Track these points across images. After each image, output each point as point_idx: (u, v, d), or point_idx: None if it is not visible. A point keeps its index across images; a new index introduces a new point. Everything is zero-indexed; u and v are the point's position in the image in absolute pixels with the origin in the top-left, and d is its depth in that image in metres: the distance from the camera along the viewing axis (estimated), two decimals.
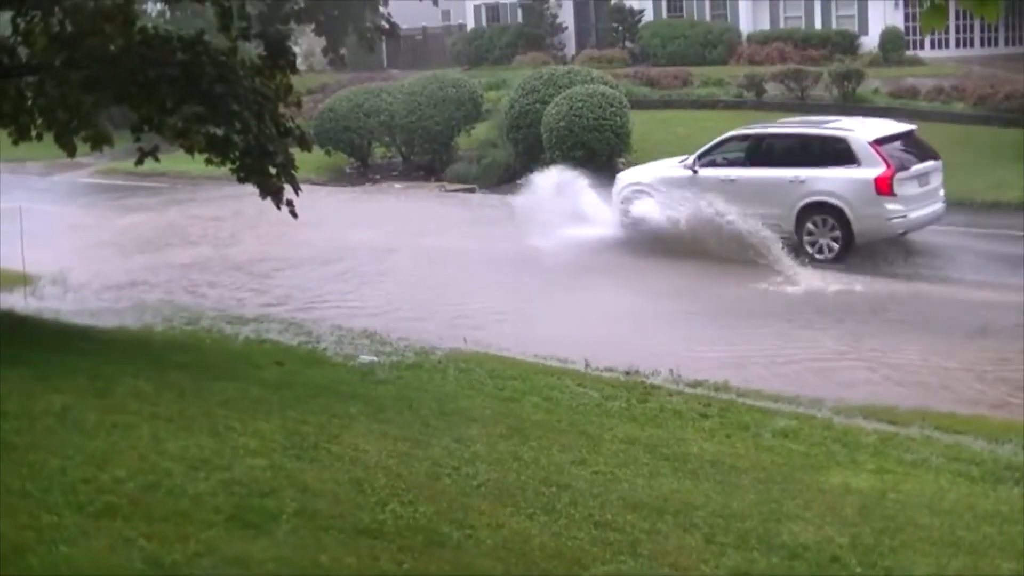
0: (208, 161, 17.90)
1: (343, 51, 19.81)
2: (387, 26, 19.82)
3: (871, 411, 15.76)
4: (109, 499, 8.74)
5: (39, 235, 27.38)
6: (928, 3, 6.00)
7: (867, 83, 42.22)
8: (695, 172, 27.06)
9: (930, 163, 26.18)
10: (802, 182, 25.30)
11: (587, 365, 18.06)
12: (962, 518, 11.09)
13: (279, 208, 17.76)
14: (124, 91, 16.99)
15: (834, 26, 51.38)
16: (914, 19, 47.82)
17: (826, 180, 25.18)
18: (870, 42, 49.32)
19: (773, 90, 43.33)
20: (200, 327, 20.76)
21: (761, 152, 26.92)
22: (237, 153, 17.34)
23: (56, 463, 9.53)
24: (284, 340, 19.71)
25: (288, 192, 17.64)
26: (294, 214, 17.66)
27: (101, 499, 8.72)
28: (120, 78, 16.83)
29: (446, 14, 59.21)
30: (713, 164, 27.19)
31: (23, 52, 17.78)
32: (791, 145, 26.57)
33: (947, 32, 48.55)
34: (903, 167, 25.22)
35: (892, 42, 48.34)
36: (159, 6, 41.52)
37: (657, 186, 27.41)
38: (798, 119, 29.99)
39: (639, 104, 41.07)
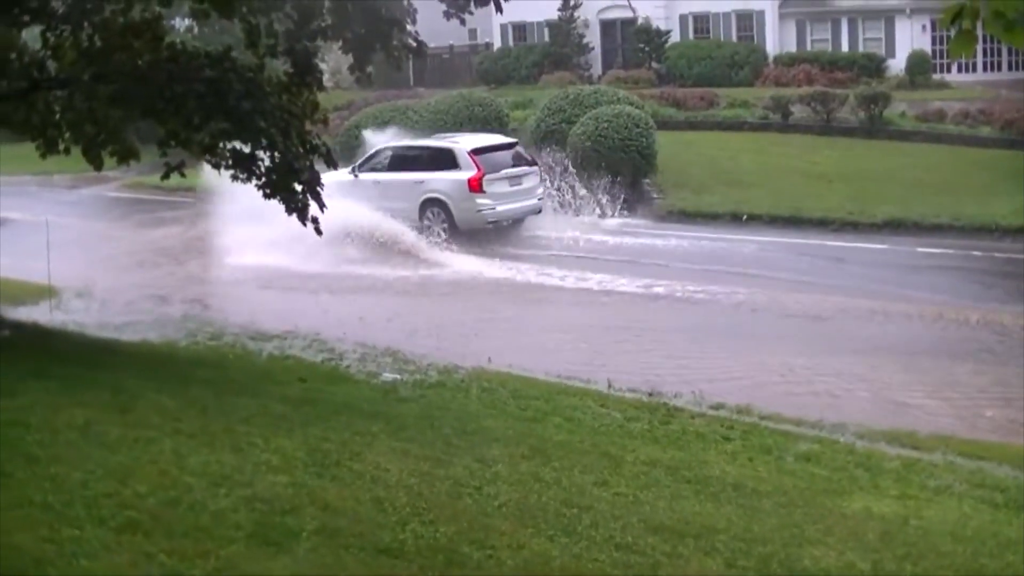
0: (234, 177, 17.95)
1: (370, 69, 19.86)
2: (414, 44, 19.88)
3: (894, 436, 15.70)
4: (131, 514, 8.76)
5: (65, 248, 27.52)
6: (956, 30, 5.99)
7: (894, 106, 42.17)
8: (356, 176, 32.84)
9: (524, 168, 32.97)
10: (422, 183, 31.83)
11: (609, 386, 18.03)
12: (985, 545, 11.03)
13: (304, 225, 17.80)
14: (151, 106, 17.04)
15: (861, 49, 51.37)
16: (941, 43, 47.84)
17: (437, 181, 32.04)
18: (897, 65, 49.29)
19: (799, 112, 43.30)
20: (223, 342, 20.79)
21: (399, 160, 33.08)
22: (263, 170, 17.39)
23: (78, 477, 9.56)
24: (307, 357, 19.73)
25: (313, 209, 17.68)
26: (319, 231, 17.69)
27: (123, 514, 8.74)
28: (148, 93, 16.88)
29: (473, 33, 59.26)
30: (371, 170, 33.30)
31: (52, 66, 17.85)
32: (418, 155, 33.13)
33: (975, 56, 48.35)
34: (494, 171, 31.91)
35: (919, 65, 48.28)
36: (187, 22, 41.65)
37: (331, 188, 29.97)
38: (432, 136, 35.60)
39: (665, 125, 41.08)
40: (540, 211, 33.24)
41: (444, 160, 32.26)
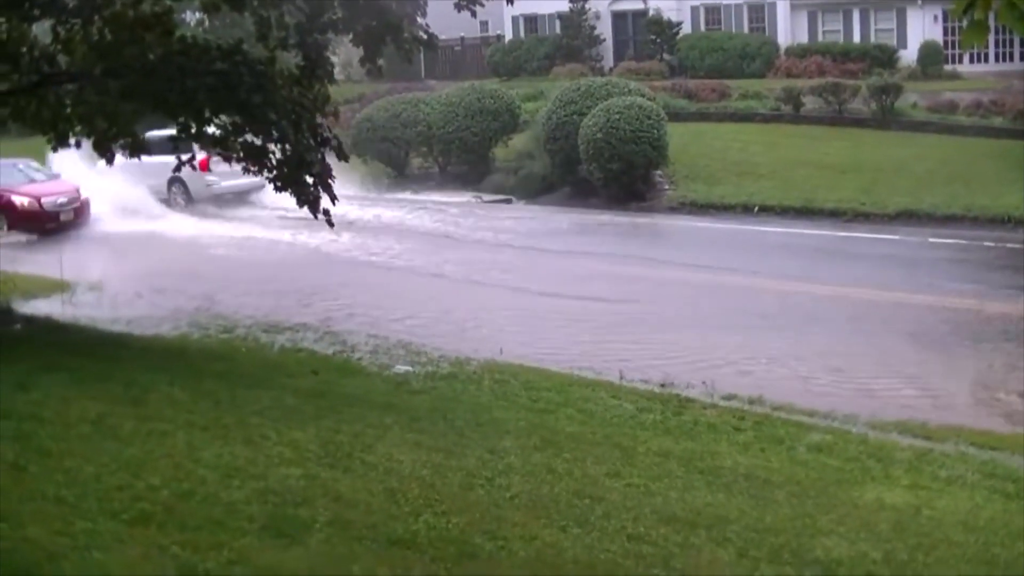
0: (245, 170, 18.01)
1: (381, 61, 19.80)
2: (425, 36, 19.84)
3: (906, 427, 15.68)
4: (144, 506, 8.78)
5: (79, 242, 27.65)
6: (968, 20, 5.98)
7: (905, 97, 42.09)
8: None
9: None
10: (167, 164, 30.31)
11: (621, 377, 18.03)
12: (997, 535, 11.02)
13: (316, 217, 17.83)
14: (162, 100, 17.06)
15: (873, 40, 51.23)
16: (953, 33, 47.68)
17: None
18: (909, 56, 49.15)
19: (811, 103, 43.22)
20: (236, 335, 20.81)
21: (156, 145, 31.81)
22: (274, 162, 17.41)
23: (91, 470, 9.59)
24: (319, 349, 19.75)
25: (325, 201, 17.71)
26: (331, 223, 17.72)
27: (136, 506, 8.77)
28: (158, 87, 16.89)
29: (484, 25, 59.16)
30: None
31: (63, 60, 17.87)
32: (166, 140, 32.46)
33: (986, 46, 48.19)
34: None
35: (931, 56, 48.17)
36: (198, 15, 41.68)
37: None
38: None
39: (676, 116, 41.02)
40: (264, 187, 35.96)
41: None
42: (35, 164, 36.57)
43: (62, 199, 35.34)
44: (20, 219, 34.59)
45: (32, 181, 35.97)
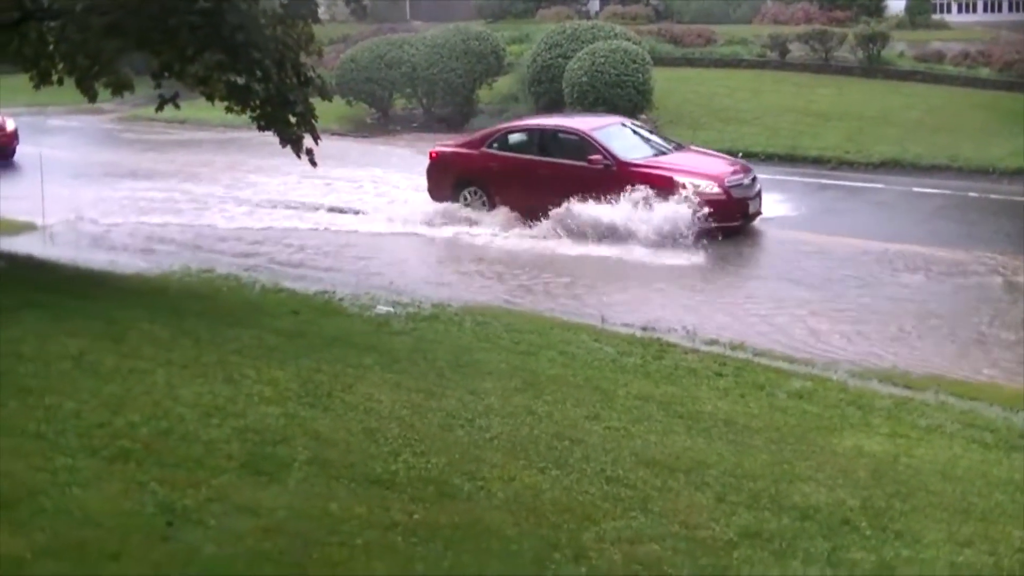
0: (228, 109, 17.94)
1: (366, 1, 19.72)
2: None
3: (886, 375, 15.73)
4: (123, 443, 8.80)
5: (62, 181, 27.55)
6: None
7: (892, 46, 41.93)
8: None
9: None
10: None
11: (603, 320, 18.06)
12: (974, 484, 11.07)
13: (299, 157, 17.79)
14: (146, 37, 16.97)
15: None
16: None
17: None
18: (896, 5, 48.92)
19: (797, 50, 43.04)
20: (217, 275, 20.75)
21: None
22: (257, 102, 17.37)
23: (71, 407, 9.59)
24: (300, 289, 19.70)
25: (308, 141, 17.65)
26: (313, 163, 17.69)
27: (115, 443, 8.79)
28: (142, 24, 16.79)
29: None
30: None
31: None
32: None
33: None
34: None
35: (919, 5, 47.98)
36: None
37: None
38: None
39: (662, 61, 40.85)
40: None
41: None
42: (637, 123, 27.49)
43: (745, 180, 24.77)
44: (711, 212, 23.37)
45: (661, 153, 25.58)
